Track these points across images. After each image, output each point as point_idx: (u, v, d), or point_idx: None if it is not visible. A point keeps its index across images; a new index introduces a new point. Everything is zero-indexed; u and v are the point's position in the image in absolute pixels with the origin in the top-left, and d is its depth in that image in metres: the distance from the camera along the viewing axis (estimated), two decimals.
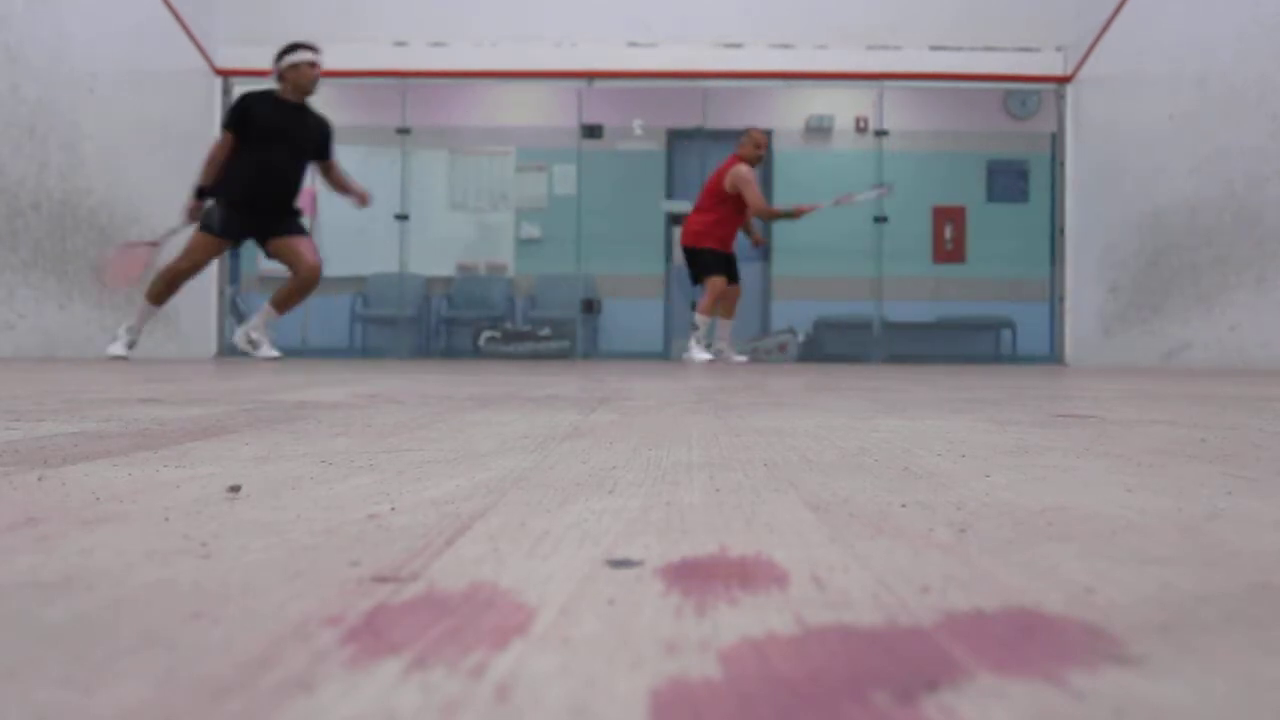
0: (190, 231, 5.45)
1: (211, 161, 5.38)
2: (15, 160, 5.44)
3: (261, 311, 5.67)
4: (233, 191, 5.37)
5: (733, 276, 6.73)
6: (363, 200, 5.77)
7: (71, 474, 0.78)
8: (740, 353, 7.19)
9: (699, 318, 6.69)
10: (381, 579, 0.44)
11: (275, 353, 5.64)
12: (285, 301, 5.58)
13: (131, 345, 5.44)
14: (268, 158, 5.42)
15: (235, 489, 0.71)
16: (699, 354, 6.57)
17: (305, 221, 5.75)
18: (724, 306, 6.77)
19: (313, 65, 5.53)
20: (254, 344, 5.63)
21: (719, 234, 6.65)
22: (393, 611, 0.38)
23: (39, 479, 0.75)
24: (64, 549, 0.50)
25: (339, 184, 5.78)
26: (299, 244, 5.49)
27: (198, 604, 0.39)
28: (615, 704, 0.28)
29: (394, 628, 0.36)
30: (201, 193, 5.38)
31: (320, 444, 1.04)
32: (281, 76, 5.54)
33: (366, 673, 0.31)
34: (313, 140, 5.60)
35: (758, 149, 6.62)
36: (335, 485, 0.73)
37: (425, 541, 0.52)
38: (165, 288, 5.45)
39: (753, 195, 6.55)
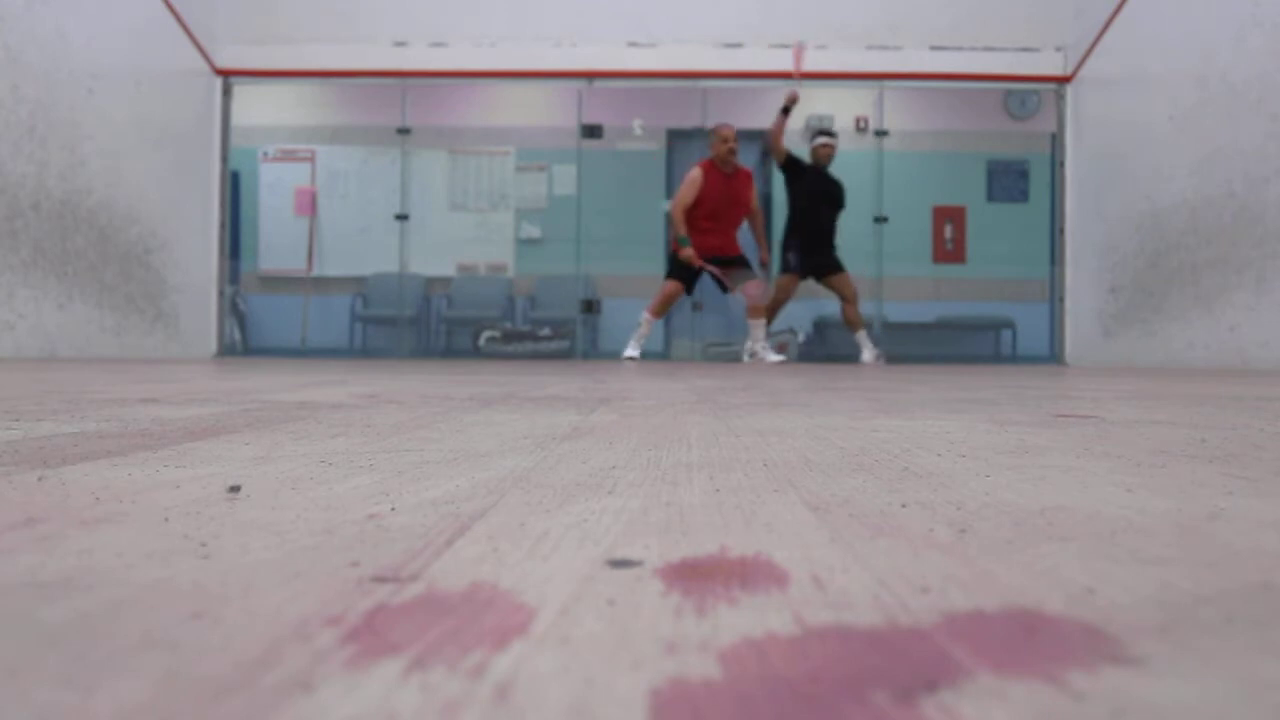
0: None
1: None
2: (15, 160, 5.44)
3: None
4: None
5: (687, 285, 6.76)
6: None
7: (71, 474, 0.78)
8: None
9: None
10: (381, 579, 0.44)
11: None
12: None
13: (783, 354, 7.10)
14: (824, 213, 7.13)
15: (235, 489, 0.71)
16: (631, 350, 6.68)
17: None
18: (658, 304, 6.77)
19: (827, 146, 7.09)
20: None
21: (697, 243, 6.68)
22: (393, 611, 0.38)
23: (39, 479, 0.75)
24: (64, 549, 0.50)
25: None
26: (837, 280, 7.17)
27: (198, 604, 0.39)
28: (615, 704, 0.28)
29: (394, 628, 0.36)
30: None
31: (320, 444, 1.04)
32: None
33: (366, 673, 0.31)
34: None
35: (724, 143, 6.58)
36: (335, 485, 0.73)
37: (425, 542, 0.52)
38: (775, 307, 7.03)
39: (680, 193, 6.67)
